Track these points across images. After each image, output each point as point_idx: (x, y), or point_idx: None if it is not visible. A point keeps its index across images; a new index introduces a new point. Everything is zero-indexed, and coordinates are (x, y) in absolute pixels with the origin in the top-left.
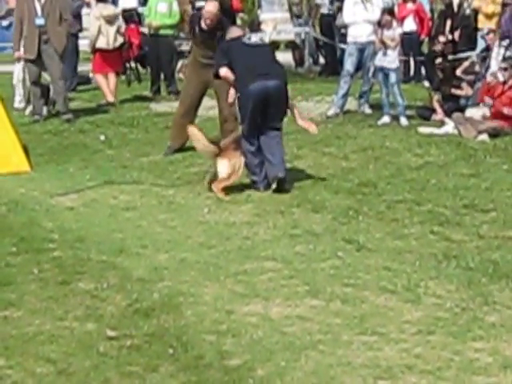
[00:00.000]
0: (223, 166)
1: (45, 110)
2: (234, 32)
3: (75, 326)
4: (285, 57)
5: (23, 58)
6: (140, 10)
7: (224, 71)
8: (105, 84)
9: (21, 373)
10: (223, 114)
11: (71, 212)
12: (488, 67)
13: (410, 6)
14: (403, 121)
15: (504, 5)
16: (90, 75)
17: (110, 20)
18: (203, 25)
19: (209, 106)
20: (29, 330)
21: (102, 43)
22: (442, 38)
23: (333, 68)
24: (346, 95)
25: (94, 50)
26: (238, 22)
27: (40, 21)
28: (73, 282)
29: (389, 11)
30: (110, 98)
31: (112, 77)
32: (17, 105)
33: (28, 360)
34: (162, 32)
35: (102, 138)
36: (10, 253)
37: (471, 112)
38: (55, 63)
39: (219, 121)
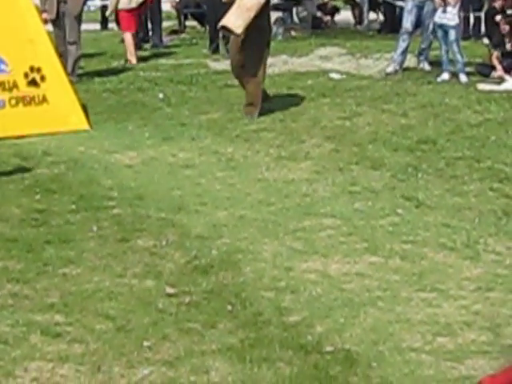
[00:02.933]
0: None
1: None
2: None
3: (134, 283)
4: (344, 14)
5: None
6: None
7: None
8: (133, 44)
9: (80, 329)
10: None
11: (130, 170)
12: None
13: None
14: (463, 78)
15: None
16: None
17: None
18: None
19: (267, 64)
20: (88, 286)
21: (123, 4)
22: None
23: (392, 25)
24: (405, 52)
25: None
26: None
27: None
28: (132, 240)
29: None
30: (134, 61)
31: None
32: None
33: (87, 316)
34: None
35: (161, 96)
36: (69, 211)
37: None
38: (71, 25)
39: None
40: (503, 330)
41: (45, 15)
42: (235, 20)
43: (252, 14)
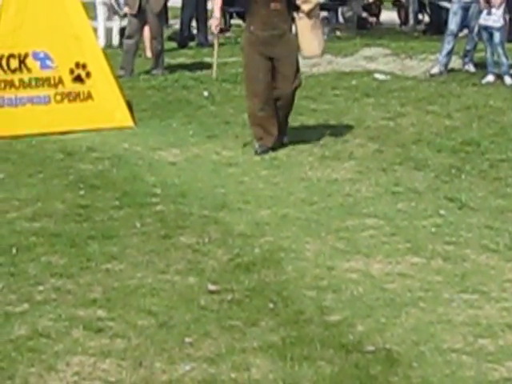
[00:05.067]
0: None
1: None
2: None
3: (177, 280)
4: (390, 15)
5: (128, 14)
6: None
7: None
8: (148, 37)
9: (122, 325)
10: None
11: (174, 167)
12: None
13: None
14: (508, 80)
15: None
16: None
17: None
18: None
19: (312, 64)
20: (131, 282)
21: None
22: None
23: (437, 27)
24: (450, 54)
25: None
26: None
27: None
28: (175, 236)
29: None
30: (149, 54)
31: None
32: None
33: (129, 312)
34: None
35: (206, 94)
36: (113, 207)
37: None
38: (153, 21)
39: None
40: None
41: (126, 9)
42: (318, 46)
43: (321, 30)
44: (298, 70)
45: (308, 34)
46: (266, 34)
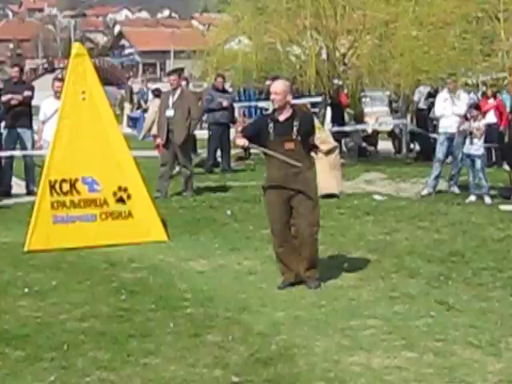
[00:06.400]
0: None
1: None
2: None
3: (204, 372)
4: (385, 144)
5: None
6: None
7: None
8: None
9: None
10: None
11: (202, 275)
12: None
13: (491, 101)
14: (487, 200)
15: None
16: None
17: None
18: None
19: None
20: (165, 375)
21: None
22: None
23: (426, 155)
24: (437, 177)
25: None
26: (346, 115)
27: (170, 112)
28: (203, 335)
29: (475, 106)
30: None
31: None
32: None
33: None
34: None
35: (229, 212)
36: (149, 309)
37: None
38: (179, 150)
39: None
40: None
41: (158, 140)
42: (337, 184)
43: (340, 171)
44: (315, 207)
45: (327, 174)
46: (281, 173)
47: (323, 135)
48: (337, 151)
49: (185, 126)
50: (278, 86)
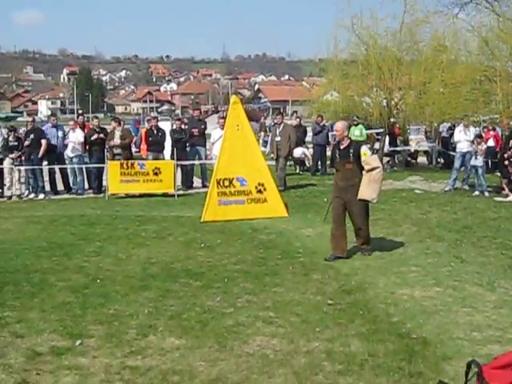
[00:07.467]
0: None
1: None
2: None
3: (311, 298)
4: (422, 159)
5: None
6: None
7: None
8: None
9: None
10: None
11: (309, 238)
12: None
13: (491, 132)
14: (486, 194)
15: None
16: None
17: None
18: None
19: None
20: (287, 298)
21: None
22: (509, 153)
23: (448, 165)
24: (455, 179)
25: None
26: (398, 141)
27: (277, 138)
28: (310, 274)
29: (479, 135)
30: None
31: None
32: None
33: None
34: None
35: (325, 199)
36: (277, 258)
37: None
38: (282, 160)
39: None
40: None
41: (272, 155)
42: (371, 193)
43: (380, 184)
44: (365, 211)
45: (366, 185)
46: (342, 184)
47: (367, 159)
48: (377, 170)
49: (287, 146)
50: (338, 125)
